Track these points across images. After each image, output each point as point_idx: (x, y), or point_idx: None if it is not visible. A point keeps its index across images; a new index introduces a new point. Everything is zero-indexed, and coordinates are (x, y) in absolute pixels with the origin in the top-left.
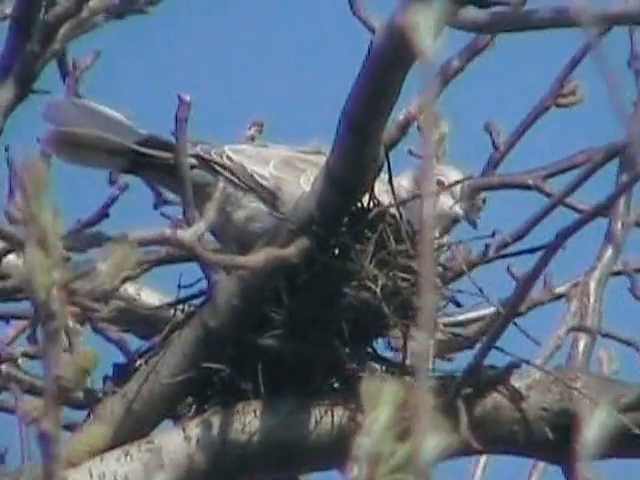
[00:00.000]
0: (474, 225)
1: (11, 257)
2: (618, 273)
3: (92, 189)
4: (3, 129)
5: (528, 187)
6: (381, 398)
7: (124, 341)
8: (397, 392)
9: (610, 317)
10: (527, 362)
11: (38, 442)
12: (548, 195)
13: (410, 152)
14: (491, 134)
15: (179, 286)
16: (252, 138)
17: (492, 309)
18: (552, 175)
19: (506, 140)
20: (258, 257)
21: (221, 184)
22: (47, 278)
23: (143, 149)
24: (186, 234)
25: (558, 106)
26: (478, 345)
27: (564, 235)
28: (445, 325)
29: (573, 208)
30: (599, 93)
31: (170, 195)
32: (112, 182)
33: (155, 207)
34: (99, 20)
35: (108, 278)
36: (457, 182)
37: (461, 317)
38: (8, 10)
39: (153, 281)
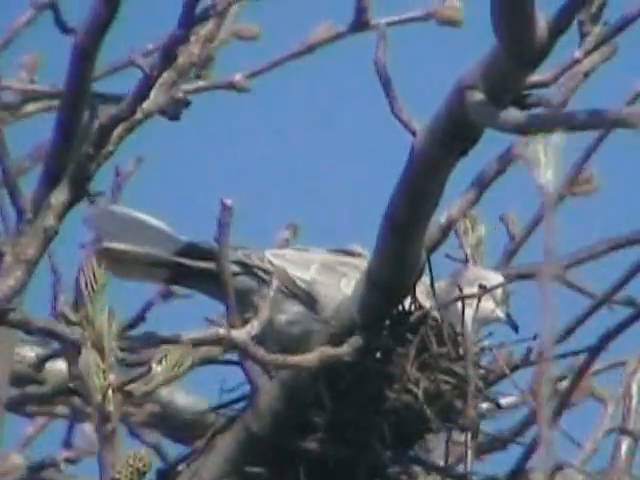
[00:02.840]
0: (516, 328)
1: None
2: None
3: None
4: (58, 231)
5: None
6: None
7: (159, 445)
8: None
9: None
10: (571, 465)
11: None
12: (569, 286)
13: (448, 256)
14: (507, 225)
15: (221, 390)
16: (287, 240)
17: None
18: (572, 265)
19: (521, 230)
20: (312, 357)
21: (275, 282)
22: (103, 380)
23: (184, 260)
24: (239, 333)
25: (574, 195)
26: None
27: (607, 338)
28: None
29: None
30: (617, 180)
31: None
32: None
33: None
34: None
35: (163, 380)
36: (498, 286)
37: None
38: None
39: (186, 384)
